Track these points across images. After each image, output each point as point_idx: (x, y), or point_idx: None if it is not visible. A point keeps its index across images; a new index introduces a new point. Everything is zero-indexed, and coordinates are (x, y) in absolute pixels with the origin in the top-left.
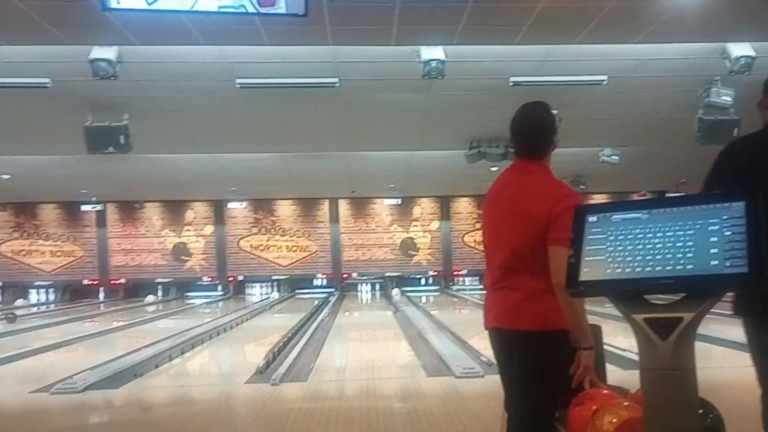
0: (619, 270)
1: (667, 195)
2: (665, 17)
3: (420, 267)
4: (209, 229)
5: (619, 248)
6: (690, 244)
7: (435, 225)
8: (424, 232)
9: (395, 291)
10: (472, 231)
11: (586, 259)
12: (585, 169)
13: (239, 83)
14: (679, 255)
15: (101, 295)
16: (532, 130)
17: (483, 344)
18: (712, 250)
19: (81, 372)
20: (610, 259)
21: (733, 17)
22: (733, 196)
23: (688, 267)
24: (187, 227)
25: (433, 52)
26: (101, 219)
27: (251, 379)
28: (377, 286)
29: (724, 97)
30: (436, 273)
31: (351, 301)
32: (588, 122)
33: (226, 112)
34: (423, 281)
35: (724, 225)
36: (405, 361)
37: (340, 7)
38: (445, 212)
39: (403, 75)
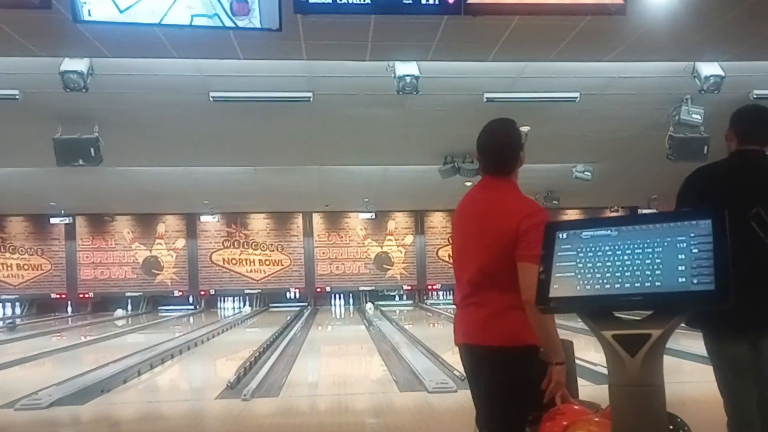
0: (588, 287)
1: (639, 211)
2: (636, 36)
3: (394, 281)
4: (181, 243)
5: (589, 265)
6: (658, 261)
7: (409, 239)
8: (399, 246)
9: (369, 305)
10: (447, 245)
11: (557, 275)
12: (558, 185)
13: (213, 97)
14: (648, 272)
15: (69, 309)
16: (497, 146)
17: (456, 359)
18: (679, 268)
19: (47, 388)
20: (580, 276)
21: (702, 37)
22: (701, 215)
23: (657, 284)
24: (158, 241)
25: (407, 68)
26: (70, 232)
27: (222, 395)
28: (351, 300)
29: (694, 116)
30: (410, 287)
31: (324, 315)
32: (561, 139)
33: (199, 126)
34: (397, 295)
35: (692, 243)
36: (378, 376)
37: (314, 22)
38: (419, 226)
39: (377, 90)
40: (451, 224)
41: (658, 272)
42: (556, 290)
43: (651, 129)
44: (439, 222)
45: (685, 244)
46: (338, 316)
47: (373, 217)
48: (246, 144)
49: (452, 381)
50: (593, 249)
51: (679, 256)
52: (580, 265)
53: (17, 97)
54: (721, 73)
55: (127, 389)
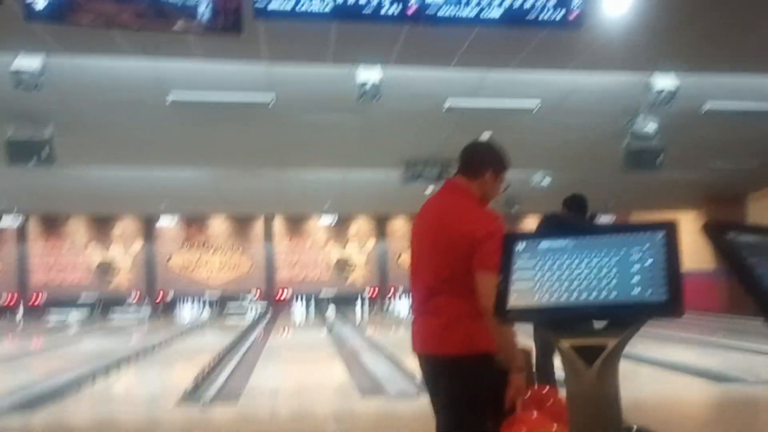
0: (546, 297)
1: (597, 217)
2: (594, 47)
3: (355, 286)
4: (137, 246)
5: (546, 275)
6: (614, 272)
7: (371, 243)
8: (360, 250)
9: (330, 311)
10: (409, 250)
11: (515, 286)
12: (518, 192)
13: (170, 99)
14: (603, 283)
15: (20, 314)
16: (470, 149)
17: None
18: (634, 279)
19: None
20: (537, 287)
21: (656, 50)
22: (654, 226)
23: (612, 295)
24: (114, 243)
25: (368, 74)
26: (22, 233)
27: (179, 402)
28: (312, 305)
29: (648, 127)
30: (371, 292)
31: (285, 320)
32: (521, 147)
33: (156, 128)
34: (358, 300)
35: (645, 254)
36: (339, 382)
37: (275, 24)
38: (381, 231)
39: (338, 96)
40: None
41: (613, 283)
42: (515, 300)
43: (609, 139)
44: (401, 226)
45: (639, 256)
46: (299, 321)
47: (335, 221)
48: (204, 147)
49: (413, 387)
50: (550, 260)
51: (634, 268)
52: (538, 276)
53: None
54: (673, 87)
55: (82, 397)
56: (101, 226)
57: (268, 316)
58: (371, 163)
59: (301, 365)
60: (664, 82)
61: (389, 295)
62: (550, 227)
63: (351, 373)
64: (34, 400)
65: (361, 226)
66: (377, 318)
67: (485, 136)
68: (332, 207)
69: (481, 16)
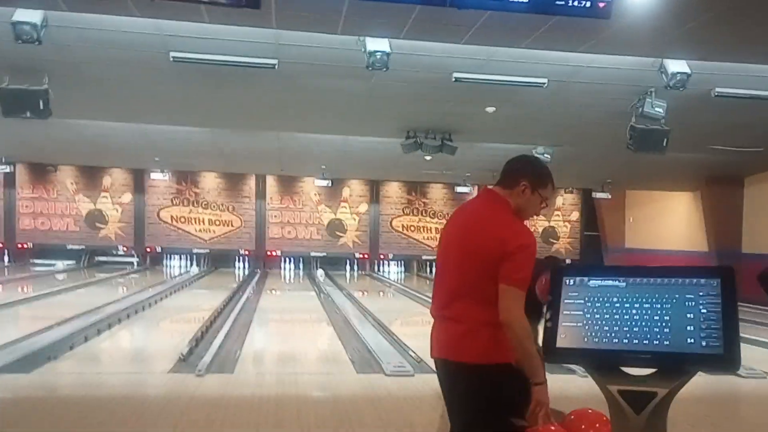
0: (596, 339)
1: (593, 195)
2: (611, 31)
3: (346, 249)
4: (127, 198)
5: (597, 316)
6: (667, 318)
7: (363, 207)
8: (353, 213)
9: (319, 272)
10: (401, 216)
11: (564, 324)
12: None
13: (173, 57)
14: (656, 329)
15: (5, 259)
16: (511, 160)
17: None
18: (688, 327)
19: None
20: (587, 327)
21: (675, 36)
22: (710, 273)
23: (665, 343)
24: (103, 194)
25: (378, 44)
26: (10, 180)
27: (167, 366)
28: (301, 266)
29: (657, 109)
30: (362, 255)
31: (274, 279)
32: (525, 121)
33: (156, 85)
34: (348, 263)
35: (701, 302)
36: (329, 351)
37: None
38: (374, 195)
39: (345, 62)
40: (411, 194)
41: (666, 330)
42: (563, 340)
43: (612, 118)
44: (395, 192)
45: (693, 303)
46: (287, 281)
47: (329, 184)
48: (204, 106)
49: (409, 365)
50: (601, 299)
51: (688, 315)
52: (588, 316)
53: None
54: (688, 70)
55: (74, 356)
56: (91, 176)
57: (257, 275)
58: (373, 130)
59: (293, 333)
60: (678, 66)
61: (379, 259)
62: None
63: (343, 343)
64: (28, 358)
65: (354, 189)
66: (366, 282)
67: (489, 110)
68: (328, 170)
69: None
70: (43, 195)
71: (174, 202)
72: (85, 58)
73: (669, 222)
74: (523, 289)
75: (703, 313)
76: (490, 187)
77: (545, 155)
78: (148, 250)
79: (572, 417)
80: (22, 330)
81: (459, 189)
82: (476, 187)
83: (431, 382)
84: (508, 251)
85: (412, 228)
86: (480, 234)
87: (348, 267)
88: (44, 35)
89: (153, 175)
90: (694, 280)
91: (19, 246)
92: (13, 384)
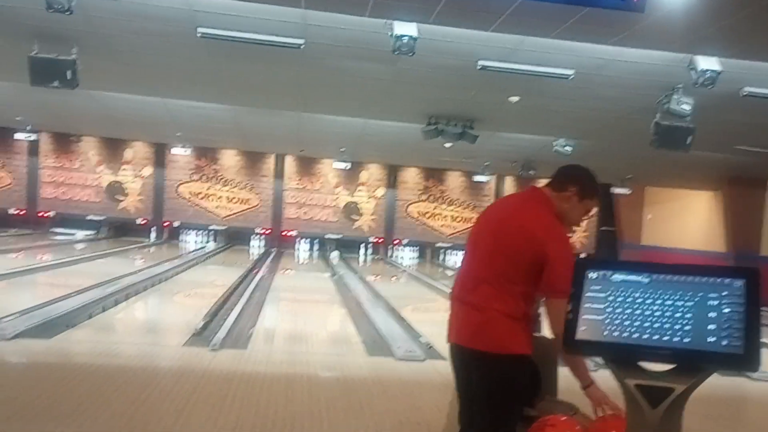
0: (616, 333)
1: (612, 190)
2: (643, 24)
3: (361, 232)
4: (148, 171)
5: (618, 310)
6: (689, 316)
7: (380, 191)
8: (369, 197)
9: (334, 254)
10: (417, 202)
11: (584, 317)
12: (537, 156)
13: (200, 32)
14: (677, 326)
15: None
16: (564, 166)
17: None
18: (709, 326)
19: (9, 316)
20: (608, 321)
21: (709, 32)
22: (735, 273)
23: (686, 340)
24: (124, 166)
25: (405, 28)
26: (34, 148)
27: (189, 342)
28: (316, 247)
29: (684, 105)
30: (377, 240)
31: (288, 260)
32: (548, 113)
33: (182, 60)
34: (362, 247)
35: (724, 302)
36: (343, 335)
37: None
38: (392, 180)
39: (371, 45)
40: (428, 180)
41: (687, 327)
42: (583, 332)
43: (637, 113)
44: (412, 178)
45: (716, 302)
46: (302, 262)
47: (348, 167)
48: (229, 83)
49: (420, 349)
50: (623, 294)
51: (710, 314)
52: (609, 310)
53: None
54: (718, 68)
55: (91, 325)
56: (113, 148)
57: (272, 254)
58: (394, 114)
59: (306, 313)
60: (708, 63)
61: (394, 244)
62: None
63: (356, 326)
64: (48, 324)
65: (372, 173)
66: (380, 266)
67: (513, 99)
68: (347, 153)
69: None
70: (65, 164)
71: (193, 178)
72: (113, 30)
73: (687, 221)
74: (567, 298)
75: (726, 312)
76: (537, 185)
77: (566, 148)
78: (166, 224)
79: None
80: (42, 297)
81: (477, 178)
82: (494, 177)
83: (441, 368)
84: (551, 257)
85: (428, 215)
86: (519, 229)
87: (362, 250)
88: (75, 5)
89: (174, 150)
90: (719, 280)
91: (41, 214)
92: (31, 349)
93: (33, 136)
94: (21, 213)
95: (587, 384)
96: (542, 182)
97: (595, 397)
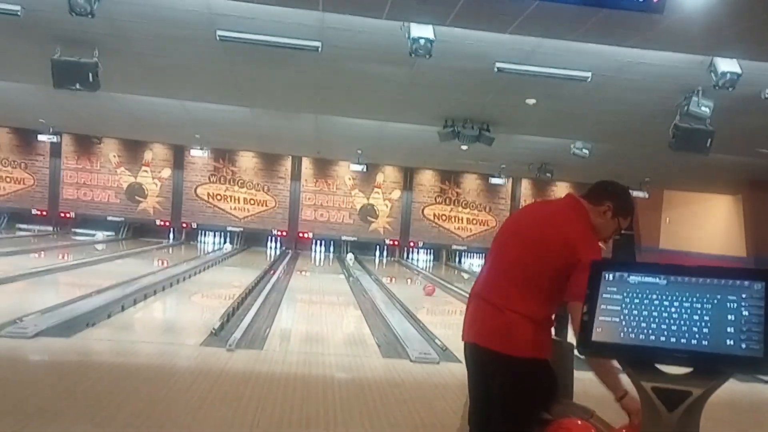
0: (633, 335)
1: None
2: (662, 26)
3: (377, 235)
4: (167, 173)
5: (635, 312)
6: (707, 319)
7: (396, 194)
8: (385, 199)
9: (349, 256)
10: (433, 204)
11: (600, 318)
12: (554, 159)
13: (220, 35)
14: (695, 329)
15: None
16: (602, 180)
17: (437, 327)
18: (728, 329)
19: (30, 316)
20: (624, 323)
21: (730, 34)
22: (754, 276)
23: (704, 343)
24: (144, 168)
25: (422, 31)
26: (56, 150)
27: (206, 341)
28: (332, 249)
29: (704, 108)
30: (392, 242)
31: (305, 261)
32: (566, 115)
33: (201, 62)
34: (378, 249)
35: (743, 304)
36: (358, 337)
37: None
38: (408, 182)
39: (388, 48)
40: (444, 183)
41: (705, 330)
42: (599, 334)
43: (655, 116)
44: (428, 180)
45: (735, 305)
46: (318, 263)
47: (364, 169)
48: (247, 86)
49: (434, 352)
50: (640, 296)
51: (729, 317)
52: (626, 311)
53: (18, 13)
54: (738, 70)
55: (110, 324)
56: (133, 149)
57: (288, 255)
58: (411, 116)
59: (322, 313)
60: (729, 65)
61: (409, 247)
62: None
63: (370, 328)
64: (68, 323)
65: (388, 175)
66: (395, 268)
67: (530, 102)
68: (363, 155)
69: None
70: (86, 166)
71: (211, 180)
72: (134, 33)
73: (707, 224)
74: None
75: (745, 315)
76: (575, 195)
77: (584, 150)
78: (184, 225)
79: None
80: (63, 296)
81: (493, 180)
82: (510, 179)
83: (456, 370)
84: (582, 264)
85: (444, 217)
86: (555, 234)
87: (377, 253)
88: (97, 9)
89: (192, 152)
90: (738, 282)
91: (62, 215)
92: (52, 347)
93: (55, 138)
94: (43, 213)
95: (621, 395)
96: (559, 185)
97: (631, 408)
